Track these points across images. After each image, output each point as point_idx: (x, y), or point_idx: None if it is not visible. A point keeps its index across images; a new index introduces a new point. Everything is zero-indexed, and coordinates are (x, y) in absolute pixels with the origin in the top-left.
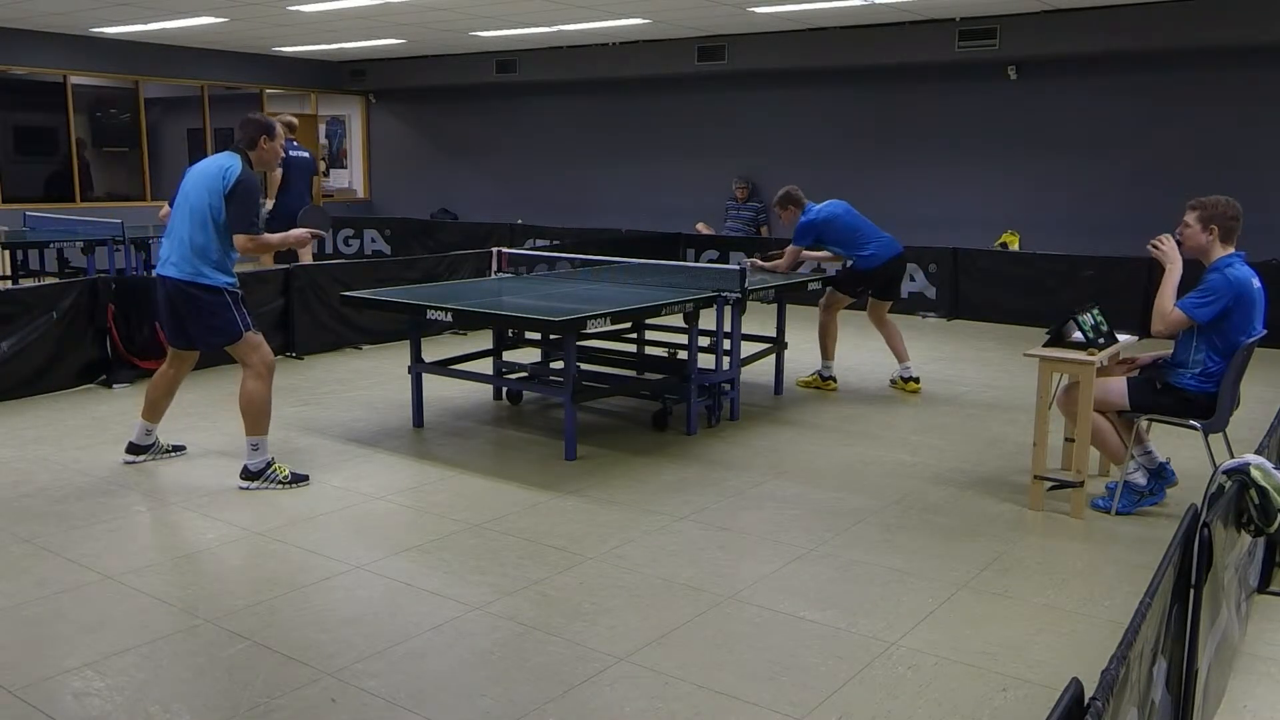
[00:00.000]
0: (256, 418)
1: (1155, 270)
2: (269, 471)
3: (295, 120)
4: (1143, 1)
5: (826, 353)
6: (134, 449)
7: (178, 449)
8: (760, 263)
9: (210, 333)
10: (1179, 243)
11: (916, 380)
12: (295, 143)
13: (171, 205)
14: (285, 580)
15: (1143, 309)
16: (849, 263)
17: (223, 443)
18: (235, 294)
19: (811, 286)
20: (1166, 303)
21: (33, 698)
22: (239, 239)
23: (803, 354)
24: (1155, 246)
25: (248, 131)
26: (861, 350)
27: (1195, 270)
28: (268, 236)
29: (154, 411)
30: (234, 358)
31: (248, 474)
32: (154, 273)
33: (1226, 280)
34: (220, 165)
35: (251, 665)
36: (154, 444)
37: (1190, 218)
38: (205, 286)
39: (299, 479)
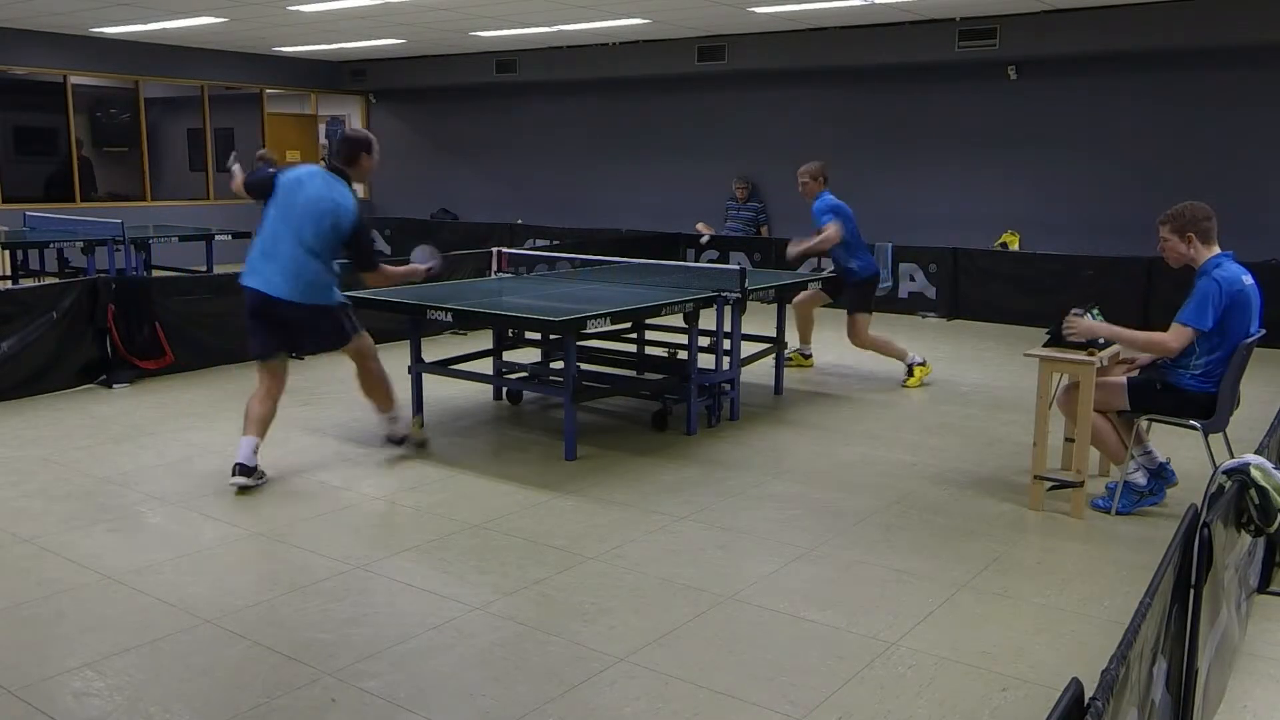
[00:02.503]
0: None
1: (1155, 270)
2: (408, 439)
3: (268, 154)
4: (1143, 1)
5: (805, 336)
6: (244, 470)
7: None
8: (794, 249)
9: (323, 340)
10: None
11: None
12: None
13: (264, 209)
14: (285, 580)
15: (1143, 309)
16: (830, 269)
17: (222, 443)
18: (346, 304)
19: (812, 286)
20: (1156, 337)
21: (33, 698)
22: (367, 276)
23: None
24: (1073, 333)
25: (349, 148)
26: (861, 352)
27: (1190, 274)
28: (389, 270)
29: (261, 427)
30: (349, 354)
31: (393, 439)
32: (247, 284)
33: (1215, 283)
34: (331, 199)
35: (251, 665)
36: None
37: (1165, 232)
38: (324, 309)
39: (423, 444)
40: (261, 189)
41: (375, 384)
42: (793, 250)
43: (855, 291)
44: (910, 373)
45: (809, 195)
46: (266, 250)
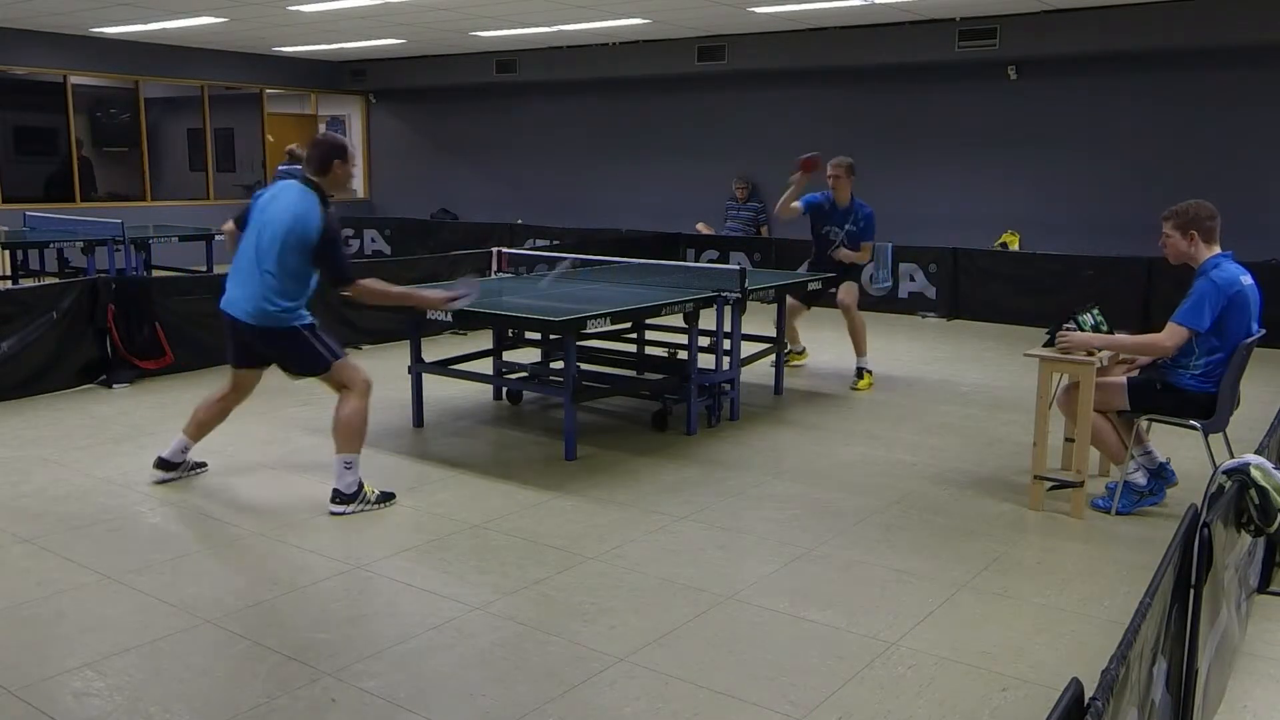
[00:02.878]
0: (352, 436)
1: (1155, 270)
2: (361, 494)
3: (298, 151)
4: (1142, 1)
5: (792, 338)
6: (165, 465)
7: (199, 466)
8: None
9: (296, 365)
10: (1165, 251)
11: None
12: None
13: (240, 229)
14: (285, 580)
15: (1143, 309)
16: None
17: (222, 443)
18: (311, 326)
19: (812, 286)
20: (1151, 339)
21: (33, 698)
22: (350, 292)
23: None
24: (1066, 346)
25: (320, 153)
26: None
27: (1190, 274)
28: (386, 288)
29: (200, 431)
30: (325, 384)
31: (341, 498)
32: (220, 307)
33: (1213, 284)
34: (292, 214)
35: (251, 665)
36: (184, 462)
37: (1168, 228)
38: (289, 332)
39: (386, 497)
40: (243, 220)
41: (352, 418)
42: (848, 257)
43: (858, 269)
44: (860, 375)
45: (842, 192)
46: (234, 270)
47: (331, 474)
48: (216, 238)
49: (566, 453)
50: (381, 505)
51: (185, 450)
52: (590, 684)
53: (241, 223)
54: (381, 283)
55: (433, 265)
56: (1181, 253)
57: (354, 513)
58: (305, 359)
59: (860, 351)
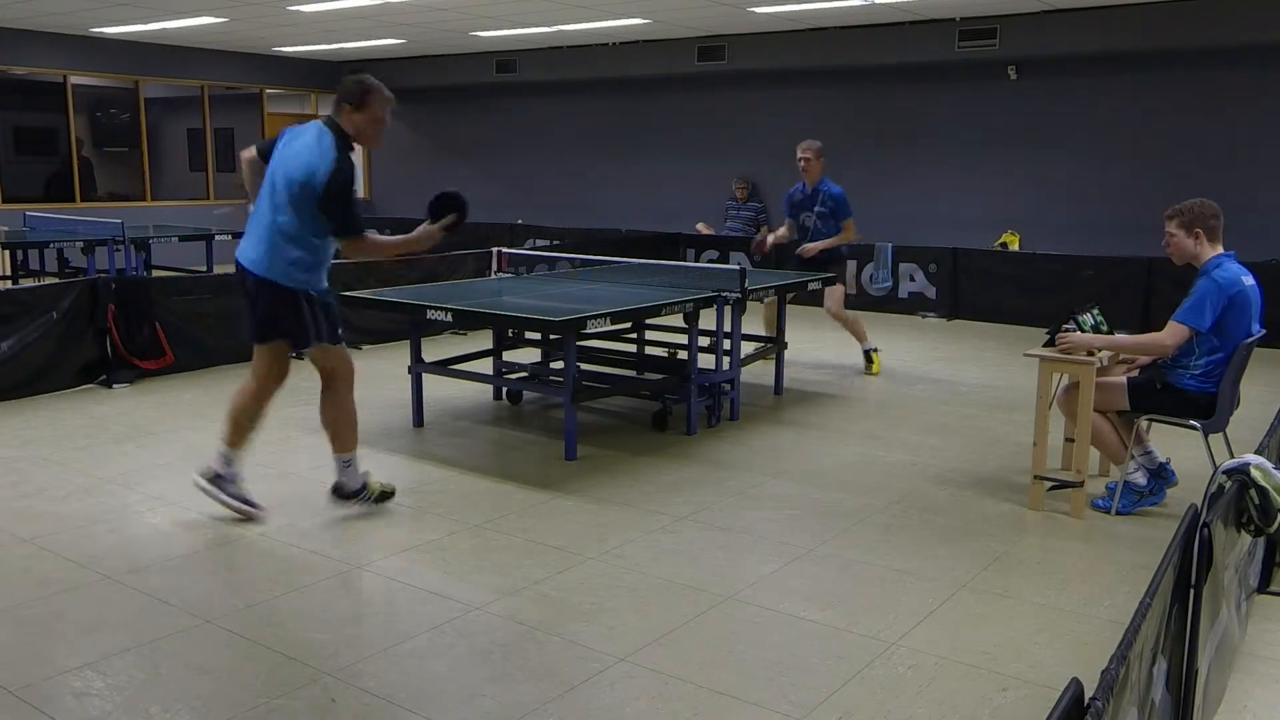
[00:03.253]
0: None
1: (1155, 270)
2: (365, 491)
3: None
4: (1143, 1)
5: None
6: (213, 478)
7: (252, 507)
8: (814, 247)
9: (278, 327)
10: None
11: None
12: None
13: (264, 160)
14: (285, 580)
15: (1142, 309)
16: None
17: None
18: (313, 299)
19: (812, 287)
20: (1150, 340)
21: (33, 698)
22: (345, 245)
23: (802, 353)
24: (1066, 347)
25: (357, 87)
26: (861, 352)
27: (1190, 274)
28: (382, 241)
29: (236, 432)
30: (315, 365)
31: (344, 492)
32: (235, 258)
33: (1215, 283)
34: (308, 153)
35: (251, 665)
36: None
37: (1172, 226)
38: (285, 291)
39: (386, 496)
40: (266, 151)
41: (339, 414)
42: (812, 249)
43: (842, 267)
44: (869, 359)
45: (812, 175)
46: (252, 217)
47: (317, 468)
48: (217, 238)
49: (566, 453)
50: (382, 503)
51: (229, 461)
52: (590, 684)
53: (266, 155)
54: (380, 237)
55: (433, 265)
56: (1185, 251)
57: (358, 510)
58: (294, 327)
59: (861, 339)
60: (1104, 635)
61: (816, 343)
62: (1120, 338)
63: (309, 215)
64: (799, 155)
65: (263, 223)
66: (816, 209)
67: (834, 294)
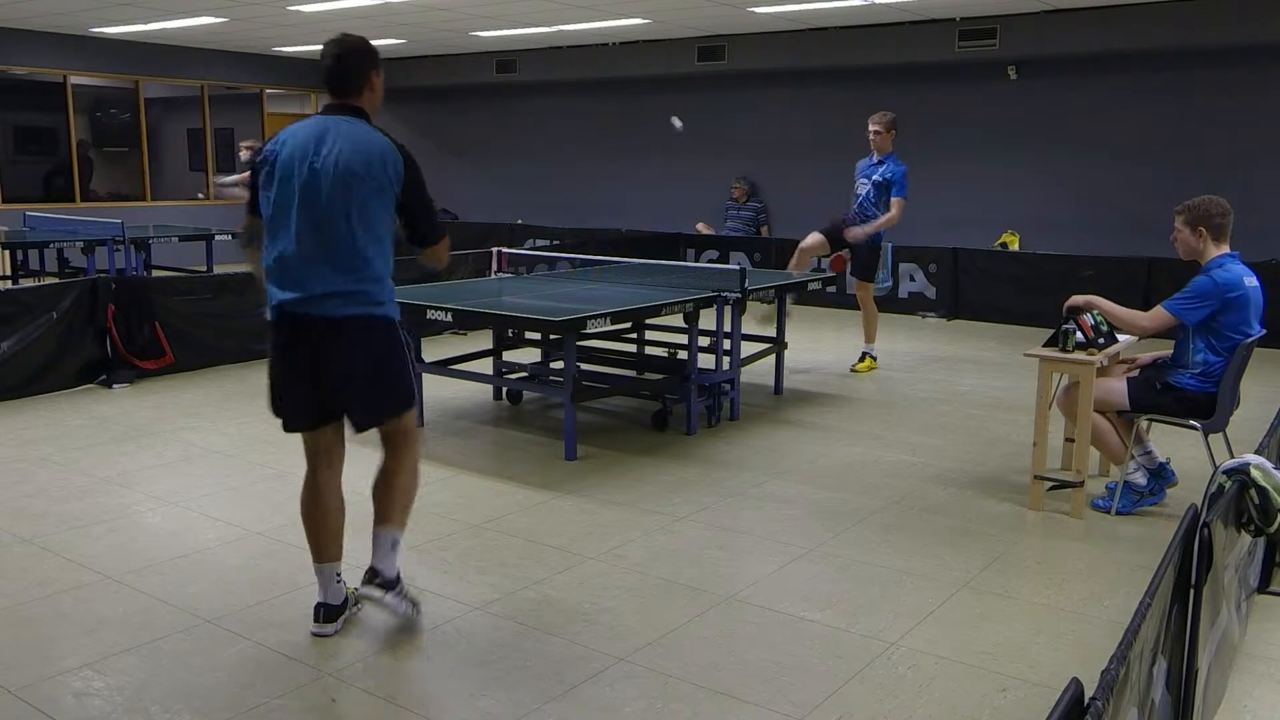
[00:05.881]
0: (409, 504)
1: (1155, 270)
2: (401, 585)
3: None
4: (1143, 1)
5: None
6: (330, 613)
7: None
8: (861, 231)
9: (397, 388)
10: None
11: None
12: None
13: (264, 201)
14: (285, 580)
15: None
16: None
17: (222, 443)
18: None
19: (811, 287)
20: (1130, 317)
21: (33, 698)
22: (437, 250)
23: (802, 353)
24: (1072, 306)
25: (352, 64)
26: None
27: (1193, 272)
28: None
29: (336, 544)
30: (387, 432)
31: (385, 582)
32: (283, 308)
33: (1212, 282)
34: (369, 154)
35: (251, 665)
36: (346, 598)
37: (1179, 222)
38: (386, 321)
39: (414, 605)
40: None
41: (410, 488)
42: (860, 233)
43: (869, 255)
44: (861, 359)
45: (882, 147)
46: (287, 258)
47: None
48: (217, 238)
49: (566, 453)
50: (412, 612)
51: (338, 578)
52: (590, 684)
53: (256, 187)
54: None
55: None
56: (1190, 248)
57: (393, 607)
58: (400, 381)
59: (869, 339)
60: (1104, 635)
61: (816, 343)
62: (1108, 305)
63: (382, 222)
64: (870, 128)
65: (318, 254)
66: (875, 177)
67: (860, 289)
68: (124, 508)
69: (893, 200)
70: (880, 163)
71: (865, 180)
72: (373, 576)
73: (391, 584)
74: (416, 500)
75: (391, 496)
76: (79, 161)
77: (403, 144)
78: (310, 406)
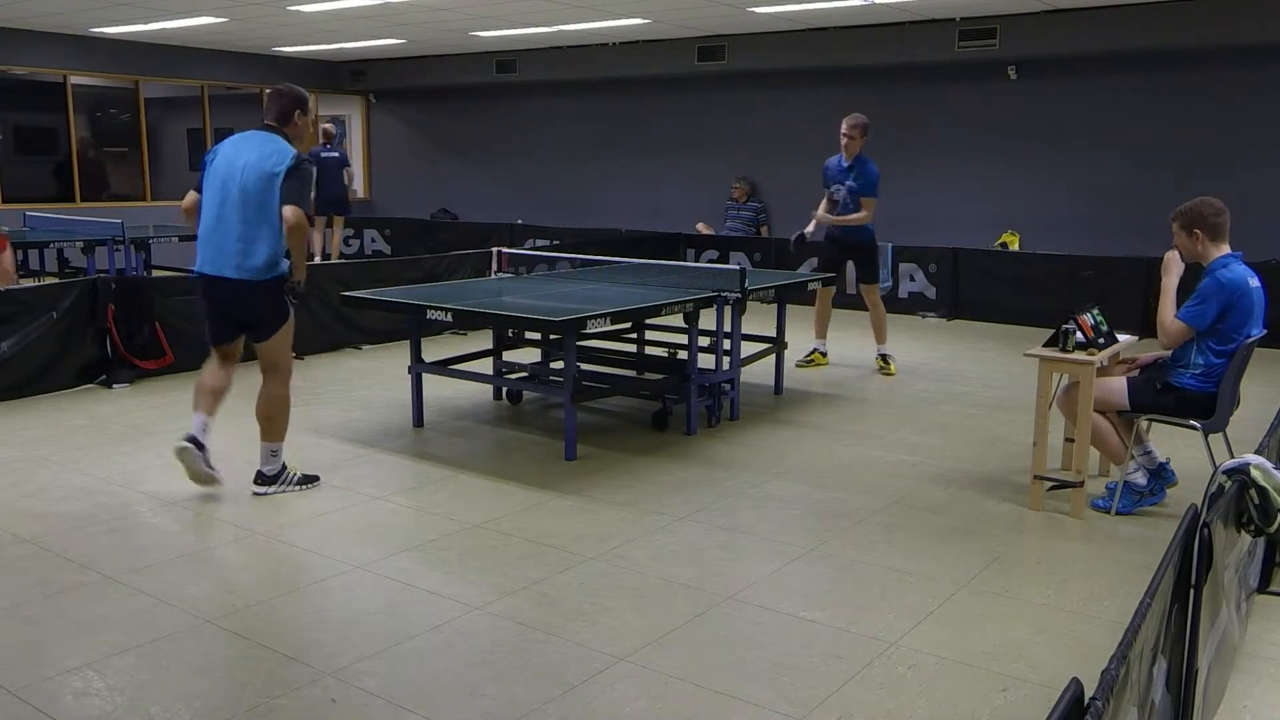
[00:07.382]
0: (281, 421)
1: (1155, 270)
2: (284, 475)
3: (333, 130)
4: (1143, 1)
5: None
6: (197, 443)
7: (310, 481)
8: (827, 217)
9: (275, 321)
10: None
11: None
12: (329, 146)
13: (202, 194)
14: (285, 580)
15: (1143, 309)
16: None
17: (222, 442)
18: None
19: (811, 287)
20: (1166, 314)
21: (33, 698)
22: (289, 210)
23: (802, 354)
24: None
25: (282, 104)
26: (864, 350)
27: (1196, 272)
28: (306, 240)
29: (212, 403)
30: (262, 357)
31: (264, 479)
32: (200, 272)
33: (1218, 283)
34: (266, 153)
35: (251, 665)
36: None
37: (1174, 228)
38: (264, 285)
39: (309, 479)
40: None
41: (277, 414)
42: (827, 218)
43: (869, 257)
44: (885, 362)
45: (851, 150)
46: (210, 230)
47: (317, 468)
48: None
49: (566, 453)
50: (304, 487)
51: (206, 428)
52: (590, 684)
53: (201, 188)
54: (307, 229)
55: (432, 265)
56: (1190, 252)
57: (275, 493)
58: (276, 314)
59: (879, 339)
60: (1104, 635)
61: (810, 343)
62: (1166, 297)
63: (274, 204)
64: (842, 129)
65: (232, 228)
66: (848, 183)
67: (866, 291)
68: (124, 508)
69: (864, 200)
70: (852, 168)
71: (840, 186)
72: (258, 477)
73: (272, 479)
74: (416, 500)
75: (268, 414)
76: (80, 161)
77: (305, 156)
78: (221, 330)
